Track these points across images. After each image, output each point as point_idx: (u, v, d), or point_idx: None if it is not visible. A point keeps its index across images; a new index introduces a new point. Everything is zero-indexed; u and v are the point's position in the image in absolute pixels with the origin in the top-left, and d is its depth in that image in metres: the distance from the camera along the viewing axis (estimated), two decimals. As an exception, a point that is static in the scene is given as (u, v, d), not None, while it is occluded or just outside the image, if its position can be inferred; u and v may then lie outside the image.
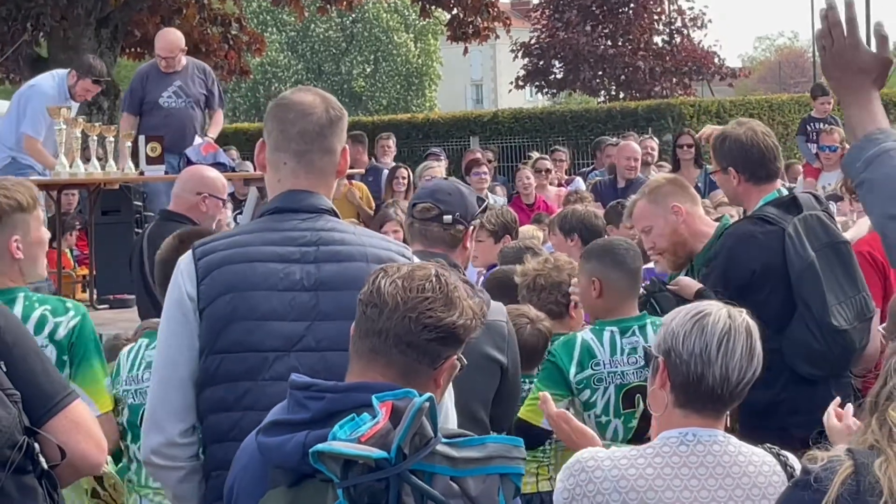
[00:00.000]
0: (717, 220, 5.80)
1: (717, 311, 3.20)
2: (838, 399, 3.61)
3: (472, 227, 4.47)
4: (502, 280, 5.63)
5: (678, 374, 3.17)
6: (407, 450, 2.52)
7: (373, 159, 14.67)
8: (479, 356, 4.31)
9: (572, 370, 4.83)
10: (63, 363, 3.96)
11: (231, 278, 3.43)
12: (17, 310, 3.94)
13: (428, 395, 2.58)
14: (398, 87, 58.42)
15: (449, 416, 3.46)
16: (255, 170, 9.10)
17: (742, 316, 3.21)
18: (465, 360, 2.86)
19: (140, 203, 10.40)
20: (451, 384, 3.41)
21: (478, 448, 2.64)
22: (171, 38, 11.22)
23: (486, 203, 4.65)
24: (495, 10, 20.71)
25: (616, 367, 4.87)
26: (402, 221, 7.38)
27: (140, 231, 9.60)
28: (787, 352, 5.06)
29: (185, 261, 3.51)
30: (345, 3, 19.94)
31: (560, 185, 14.14)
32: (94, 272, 9.94)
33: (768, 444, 3.26)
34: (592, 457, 3.19)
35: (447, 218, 4.37)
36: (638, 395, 4.81)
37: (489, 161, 15.88)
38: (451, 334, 2.73)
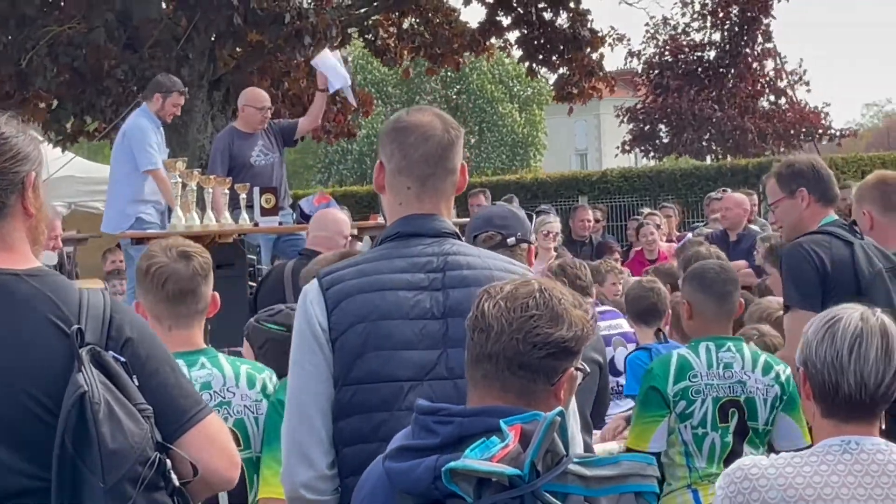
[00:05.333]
0: None
1: (849, 315, 3.08)
2: None
3: (534, 244, 4.56)
4: None
5: (816, 385, 3.08)
6: (540, 466, 2.45)
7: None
8: (584, 359, 4.36)
9: (669, 382, 5.01)
10: (280, 417, 3.82)
11: (362, 308, 3.36)
12: (225, 363, 4.34)
13: (558, 409, 2.51)
14: (503, 156, 58.56)
15: (576, 440, 3.35)
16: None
17: (876, 315, 3.08)
18: (587, 367, 2.80)
19: (253, 257, 10.41)
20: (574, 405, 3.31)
21: (611, 467, 2.55)
22: (263, 93, 11.50)
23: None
24: (601, 70, 20.66)
25: (713, 379, 5.04)
26: None
27: (254, 283, 9.62)
28: None
29: (313, 290, 3.44)
30: (452, 62, 20.01)
31: (670, 240, 14.07)
32: (209, 325, 9.92)
33: None
34: (755, 464, 3.07)
35: (511, 241, 4.42)
36: (732, 409, 4.99)
37: (598, 220, 15.81)
38: (562, 349, 2.66)
